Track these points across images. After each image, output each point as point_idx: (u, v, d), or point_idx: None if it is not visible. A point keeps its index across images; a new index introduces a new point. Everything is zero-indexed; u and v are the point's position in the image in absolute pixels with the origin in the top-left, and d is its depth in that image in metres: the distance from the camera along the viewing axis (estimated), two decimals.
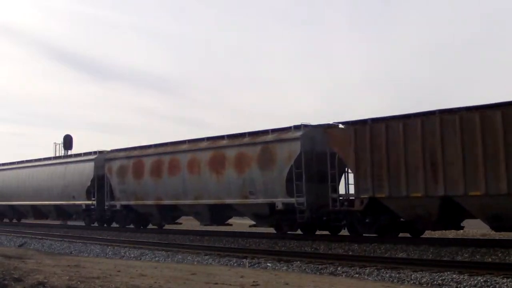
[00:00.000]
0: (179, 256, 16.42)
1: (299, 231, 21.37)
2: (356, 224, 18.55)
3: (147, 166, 25.99)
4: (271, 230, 22.35)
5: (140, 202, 26.67)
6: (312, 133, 19.97)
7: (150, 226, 28.57)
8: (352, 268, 12.48)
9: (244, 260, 14.67)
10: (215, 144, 23.05)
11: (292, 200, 19.73)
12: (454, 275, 10.84)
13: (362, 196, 17.74)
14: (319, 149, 19.63)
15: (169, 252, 17.22)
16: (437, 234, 19.59)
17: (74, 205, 31.09)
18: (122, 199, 27.72)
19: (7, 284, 9.67)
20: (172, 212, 26.48)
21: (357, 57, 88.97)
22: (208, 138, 23.70)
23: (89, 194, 29.75)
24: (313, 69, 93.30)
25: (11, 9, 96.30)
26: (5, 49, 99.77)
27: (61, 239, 23.35)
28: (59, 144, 39.29)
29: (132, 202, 27.22)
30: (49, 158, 34.74)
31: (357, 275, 11.86)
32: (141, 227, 28.31)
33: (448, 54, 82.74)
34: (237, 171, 21.65)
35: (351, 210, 18.35)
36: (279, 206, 20.23)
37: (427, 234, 19.79)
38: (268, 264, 13.95)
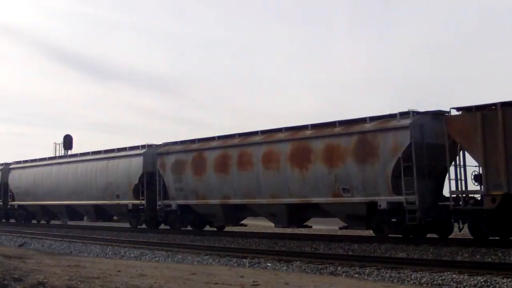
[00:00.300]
0: (179, 256, 16.42)
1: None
2: (483, 226, 16.04)
3: (210, 160, 22.86)
4: (366, 233, 20.14)
5: (202, 202, 23.51)
6: (421, 121, 17.38)
7: (206, 228, 25.85)
8: (352, 268, 12.49)
9: (244, 260, 14.68)
10: (297, 135, 20.14)
11: (400, 198, 17.14)
12: (454, 275, 10.85)
13: (493, 193, 15.36)
14: (431, 139, 17.20)
15: (169, 252, 17.22)
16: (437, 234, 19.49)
17: (118, 205, 27.58)
18: (178, 198, 24.49)
19: (7, 284, 9.68)
20: (239, 213, 23.47)
21: (357, 57, 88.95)
22: (287, 129, 20.84)
23: (136, 192, 26.31)
24: (313, 69, 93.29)
25: (11, 9, 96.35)
26: (5, 49, 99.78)
27: (61, 239, 23.35)
28: (59, 144, 39.10)
29: (191, 202, 24.07)
30: (87, 153, 30.78)
31: (357, 275, 11.87)
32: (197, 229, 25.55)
33: (448, 54, 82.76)
34: (327, 165, 18.78)
35: (478, 210, 15.86)
36: (383, 206, 17.50)
37: (427, 234, 19.69)
38: (268, 264, 13.96)
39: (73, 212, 31.88)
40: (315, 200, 19.38)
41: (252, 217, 24.59)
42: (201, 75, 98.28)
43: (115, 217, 29.77)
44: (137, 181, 26.23)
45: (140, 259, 16.76)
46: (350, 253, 15.70)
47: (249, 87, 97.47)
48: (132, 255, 17.52)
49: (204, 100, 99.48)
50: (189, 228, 25.46)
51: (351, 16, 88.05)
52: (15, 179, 36.21)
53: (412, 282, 10.86)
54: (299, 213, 20.85)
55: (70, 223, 34.40)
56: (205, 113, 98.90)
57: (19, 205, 36.27)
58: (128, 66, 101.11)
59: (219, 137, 23.40)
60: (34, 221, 37.02)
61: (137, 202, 26.35)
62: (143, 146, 26.95)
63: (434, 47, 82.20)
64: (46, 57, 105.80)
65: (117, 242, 20.98)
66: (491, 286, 9.94)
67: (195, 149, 23.89)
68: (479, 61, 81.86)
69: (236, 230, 24.43)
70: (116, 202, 27.64)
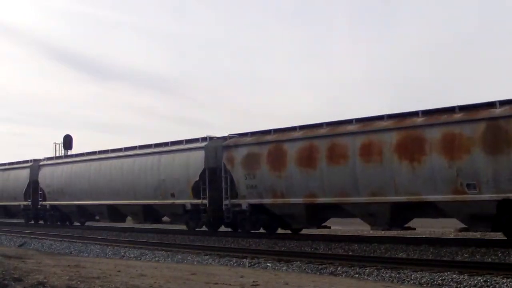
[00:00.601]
0: (179, 256, 16.42)
1: None
2: None
3: (292, 153, 19.84)
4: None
5: (280, 201, 20.37)
6: None
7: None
8: (352, 268, 12.48)
9: (244, 260, 14.68)
10: (405, 123, 17.42)
11: None
12: (454, 275, 10.84)
13: None
14: None
15: (169, 252, 17.23)
16: (437, 234, 19.47)
17: (173, 205, 24.51)
18: (250, 197, 21.30)
19: (7, 284, 9.68)
20: (327, 213, 20.45)
21: (357, 57, 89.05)
22: (390, 116, 18.04)
23: (196, 191, 23.32)
24: (313, 69, 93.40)
25: (11, 9, 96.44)
26: (5, 49, 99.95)
27: (61, 239, 23.34)
28: (59, 144, 39.05)
29: (266, 201, 20.87)
30: (135, 148, 27.36)
31: (357, 275, 11.87)
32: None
33: (448, 54, 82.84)
34: (447, 157, 16.14)
35: None
36: None
37: (427, 234, 19.67)
38: (268, 264, 13.96)
39: (115, 212, 28.62)
40: (430, 197, 16.61)
41: (339, 218, 21.34)
42: (201, 75, 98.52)
43: (166, 218, 26.93)
44: (197, 178, 23.18)
45: (140, 259, 16.76)
46: (350, 253, 15.69)
47: (249, 87, 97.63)
48: (132, 255, 17.52)
49: (204, 100, 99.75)
50: (261, 230, 22.31)
51: (351, 16, 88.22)
52: (46, 177, 32.83)
53: (412, 282, 10.85)
54: (405, 213, 18.08)
55: (101, 224, 31.79)
56: (205, 113, 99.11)
57: (51, 206, 32.79)
58: (128, 66, 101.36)
59: (301, 127, 20.39)
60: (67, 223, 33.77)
61: (198, 201, 23.28)
62: (203, 139, 23.78)
63: (434, 47, 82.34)
64: (46, 57, 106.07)
65: (117, 242, 20.99)
66: (491, 286, 9.93)
67: (272, 141, 20.83)
68: (479, 61, 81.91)
69: (317, 233, 22.08)
70: (170, 201, 24.52)
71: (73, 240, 22.63)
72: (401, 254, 15.09)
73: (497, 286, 9.91)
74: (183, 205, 24.07)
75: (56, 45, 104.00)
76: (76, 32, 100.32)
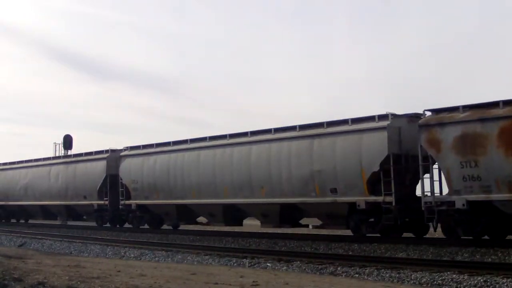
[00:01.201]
0: (179, 256, 16.43)
1: None
2: None
3: None
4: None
5: None
6: None
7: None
8: (352, 268, 12.49)
9: (244, 260, 14.69)
10: None
11: None
12: (454, 275, 10.85)
13: None
14: None
15: (169, 252, 17.23)
16: (437, 234, 19.31)
17: (334, 203, 18.92)
18: (468, 192, 15.88)
19: (7, 284, 9.68)
20: None
21: (357, 57, 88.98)
22: None
23: (372, 185, 18.03)
24: (313, 69, 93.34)
25: (11, 9, 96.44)
26: (5, 49, 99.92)
27: (61, 239, 23.34)
28: (59, 144, 38.99)
29: (497, 197, 15.46)
30: (268, 131, 21.40)
31: (357, 275, 11.88)
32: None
33: (448, 54, 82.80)
34: None
35: None
36: None
37: (428, 234, 19.63)
38: (268, 264, 13.97)
39: (234, 213, 23.21)
40: None
41: None
42: (201, 75, 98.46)
43: (310, 220, 21.97)
44: (376, 168, 17.78)
45: (140, 259, 16.77)
46: (350, 253, 15.70)
47: (249, 87, 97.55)
48: (132, 255, 17.52)
49: (204, 100, 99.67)
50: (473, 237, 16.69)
51: (351, 16, 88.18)
52: (131, 170, 26.94)
53: (412, 282, 10.86)
54: None
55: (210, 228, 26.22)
56: (205, 113, 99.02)
57: (138, 205, 26.91)
58: (128, 66, 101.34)
59: None
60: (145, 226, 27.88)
61: (377, 199, 17.89)
62: (382, 116, 18.19)
63: (434, 47, 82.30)
64: (46, 57, 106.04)
65: (117, 242, 20.98)
66: (491, 286, 9.95)
67: (505, 116, 15.46)
68: (479, 61, 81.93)
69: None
70: (330, 199, 18.95)
71: (73, 240, 22.62)
72: (401, 254, 15.10)
73: (497, 286, 9.92)
74: (352, 204, 18.58)
75: (56, 45, 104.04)
76: (76, 32, 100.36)
